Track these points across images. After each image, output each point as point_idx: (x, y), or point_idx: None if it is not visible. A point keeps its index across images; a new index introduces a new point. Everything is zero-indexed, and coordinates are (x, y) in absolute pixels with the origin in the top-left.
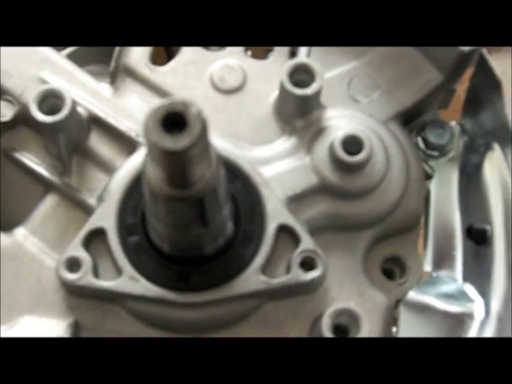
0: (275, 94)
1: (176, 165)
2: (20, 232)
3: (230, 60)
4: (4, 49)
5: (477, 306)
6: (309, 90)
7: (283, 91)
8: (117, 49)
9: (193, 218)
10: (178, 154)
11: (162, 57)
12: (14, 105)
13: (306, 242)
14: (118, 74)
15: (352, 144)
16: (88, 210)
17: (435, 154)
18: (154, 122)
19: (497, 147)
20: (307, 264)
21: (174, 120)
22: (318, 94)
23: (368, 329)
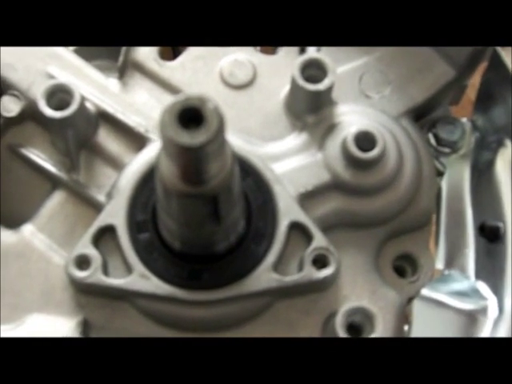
0: (286, 89)
1: (192, 161)
2: (27, 229)
3: (240, 55)
4: None
5: (490, 304)
6: (321, 86)
7: (295, 86)
8: None
9: (206, 216)
10: (195, 150)
11: (169, 52)
12: (21, 100)
13: (319, 240)
14: (126, 69)
15: (365, 140)
16: (96, 207)
17: (446, 150)
18: (170, 117)
19: (509, 144)
20: (320, 261)
21: (190, 115)
22: (329, 89)
23: (382, 327)
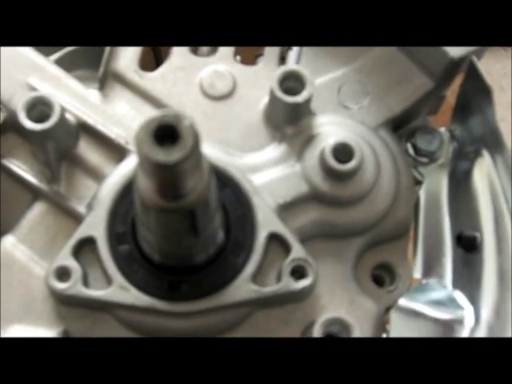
0: (265, 100)
1: (168, 177)
2: (8, 240)
3: (220, 66)
4: None
5: (467, 314)
6: (299, 98)
7: (273, 98)
8: (105, 54)
9: (184, 229)
10: (171, 167)
11: (151, 63)
12: (2, 111)
13: (297, 251)
14: (106, 80)
15: (342, 152)
16: (77, 218)
17: (425, 160)
18: (145, 134)
19: (486, 154)
20: (298, 272)
21: (166, 133)
22: (308, 101)
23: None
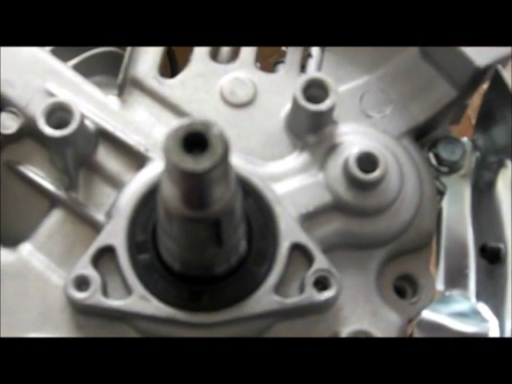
0: (286, 108)
1: (195, 186)
2: (25, 248)
3: (240, 73)
4: (7, 59)
5: (491, 326)
6: (323, 106)
7: (296, 106)
8: (125, 60)
9: (208, 239)
10: (199, 176)
11: (166, 70)
12: (19, 117)
13: (320, 261)
14: (125, 86)
15: (367, 161)
16: (95, 226)
17: (447, 170)
18: (174, 142)
19: (509, 164)
20: (321, 283)
21: (194, 140)
22: (331, 109)
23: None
